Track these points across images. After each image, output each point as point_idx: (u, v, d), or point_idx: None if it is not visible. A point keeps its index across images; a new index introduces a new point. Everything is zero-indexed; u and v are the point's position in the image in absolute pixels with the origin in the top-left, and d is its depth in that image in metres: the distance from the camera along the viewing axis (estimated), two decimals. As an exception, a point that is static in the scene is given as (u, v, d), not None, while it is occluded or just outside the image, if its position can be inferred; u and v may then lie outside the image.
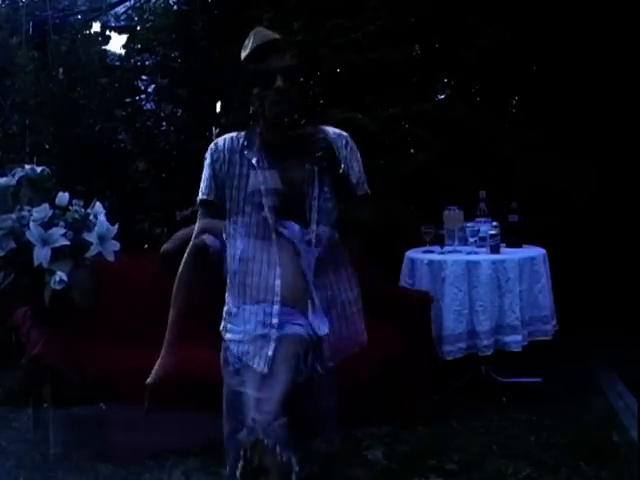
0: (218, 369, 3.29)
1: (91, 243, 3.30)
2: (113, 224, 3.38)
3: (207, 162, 2.56)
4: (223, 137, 2.60)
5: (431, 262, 4.10)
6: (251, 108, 2.57)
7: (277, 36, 2.52)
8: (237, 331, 2.51)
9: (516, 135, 5.32)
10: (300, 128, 2.53)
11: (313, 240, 2.43)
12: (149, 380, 2.63)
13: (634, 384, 4.20)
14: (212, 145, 2.58)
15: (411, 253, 4.32)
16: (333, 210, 2.49)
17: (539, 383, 4.14)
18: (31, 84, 4.99)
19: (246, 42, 2.55)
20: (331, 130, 2.58)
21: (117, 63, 5.37)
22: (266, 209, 2.43)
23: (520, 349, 3.96)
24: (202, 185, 2.56)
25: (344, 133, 2.59)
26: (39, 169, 3.54)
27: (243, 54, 2.55)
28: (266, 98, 2.48)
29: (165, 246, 3.81)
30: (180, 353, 3.60)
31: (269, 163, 2.50)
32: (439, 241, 4.31)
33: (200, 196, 2.55)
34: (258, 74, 2.50)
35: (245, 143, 2.56)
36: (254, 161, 2.50)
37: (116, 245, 3.39)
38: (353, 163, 2.54)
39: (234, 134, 2.60)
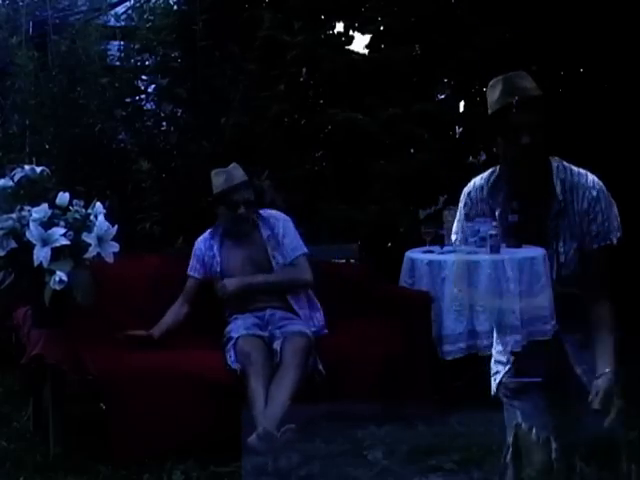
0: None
1: (90, 244, 3.30)
2: (113, 224, 3.38)
3: (461, 213, 2.79)
4: (473, 184, 2.71)
5: (431, 262, 4.08)
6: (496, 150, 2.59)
7: (527, 90, 2.54)
8: None
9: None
10: (542, 175, 2.55)
11: None
12: None
13: (634, 384, 4.21)
14: (465, 197, 2.74)
15: (411, 253, 4.31)
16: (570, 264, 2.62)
17: (539, 383, 4.13)
18: (31, 84, 4.99)
19: (492, 86, 2.55)
20: (576, 175, 2.59)
21: (117, 63, 5.37)
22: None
23: (520, 349, 3.96)
24: (454, 228, 2.82)
25: (590, 178, 2.60)
26: (39, 169, 3.54)
27: (489, 101, 2.54)
28: (510, 152, 2.52)
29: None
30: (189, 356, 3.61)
31: (510, 214, 2.62)
32: (439, 241, 4.31)
33: (452, 239, 2.80)
34: (506, 129, 2.51)
35: (491, 190, 2.65)
36: (497, 213, 2.67)
37: (115, 246, 3.39)
38: (597, 214, 2.58)
39: (484, 177, 2.68)
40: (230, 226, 3.94)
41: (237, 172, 3.92)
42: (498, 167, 2.62)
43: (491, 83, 2.59)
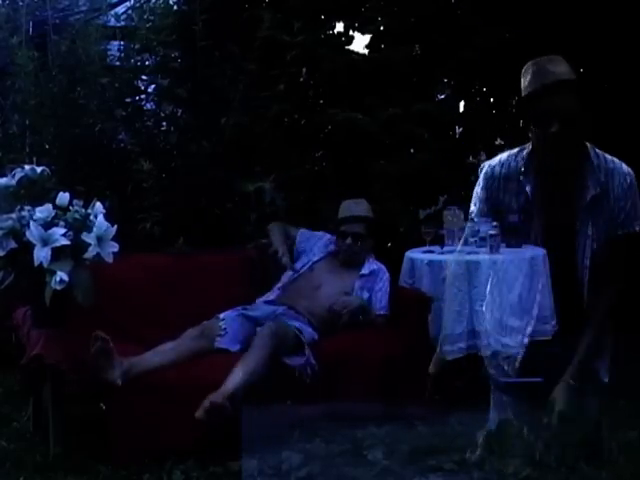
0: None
1: (89, 244, 3.30)
2: (113, 224, 3.38)
3: (480, 185, 2.64)
4: (499, 159, 2.62)
5: (431, 262, 4.09)
6: (530, 130, 2.52)
7: (559, 74, 2.45)
8: None
9: (516, 135, 5.32)
10: (577, 161, 2.50)
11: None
12: None
13: (634, 384, 4.21)
14: (487, 168, 2.63)
15: (411, 253, 4.32)
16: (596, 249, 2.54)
17: (539, 383, 4.13)
18: (31, 84, 4.99)
19: (525, 70, 2.50)
20: (611, 162, 2.53)
21: (117, 63, 5.37)
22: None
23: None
24: (473, 200, 2.69)
25: (625, 166, 2.56)
26: (39, 169, 3.54)
27: (523, 86, 2.49)
28: (543, 141, 2.49)
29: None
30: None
31: (542, 195, 2.55)
32: (439, 241, 4.31)
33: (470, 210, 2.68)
34: (536, 114, 2.47)
35: (522, 168, 2.57)
36: (528, 189, 2.56)
37: (115, 246, 3.39)
38: (628, 201, 2.55)
39: (512, 153, 2.59)
40: (339, 252, 4.17)
41: (360, 207, 4.16)
42: (527, 148, 2.57)
43: (524, 67, 2.55)
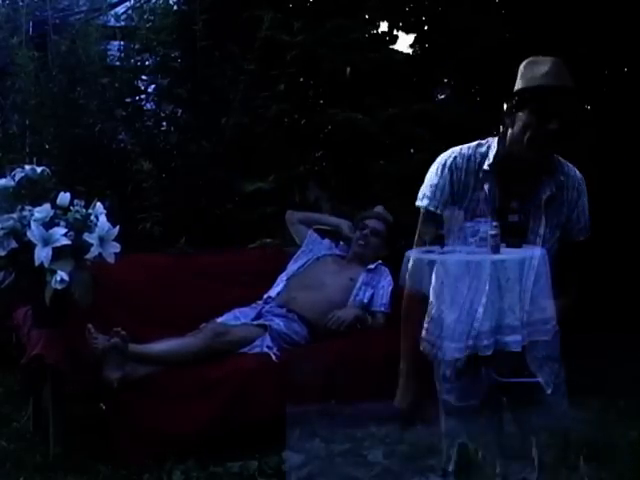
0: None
1: (91, 244, 3.30)
2: (114, 225, 3.38)
3: (443, 177, 2.56)
4: (459, 151, 2.59)
5: (431, 262, 4.09)
6: (506, 123, 2.53)
7: (569, 80, 2.49)
8: None
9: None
10: (547, 161, 2.53)
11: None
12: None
13: (633, 383, 4.21)
14: (450, 158, 2.58)
15: (411, 253, 4.33)
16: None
17: (539, 383, 4.13)
18: (31, 84, 5.00)
19: (536, 60, 2.59)
20: (565, 165, 2.59)
21: (117, 63, 5.37)
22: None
23: (520, 349, 3.95)
24: (427, 191, 2.59)
25: (579, 174, 2.63)
26: (39, 169, 3.54)
27: (528, 75, 2.55)
28: (531, 132, 2.46)
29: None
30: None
31: (499, 194, 2.52)
32: (439, 241, 4.31)
33: (423, 203, 2.60)
34: (534, 108, 2.47)
35: (485, 165, 2.54)
36: (486, 188, 2.53)
37: (117, 247, 3.39)
38: (584, 207, 2.60)
39: (470, 146, 2.59)
40: (354, 244, 4.27)
41: (384, 210, 4.39)
42: (491, 142, 2.58)
43: (533, 59, 2.62)
